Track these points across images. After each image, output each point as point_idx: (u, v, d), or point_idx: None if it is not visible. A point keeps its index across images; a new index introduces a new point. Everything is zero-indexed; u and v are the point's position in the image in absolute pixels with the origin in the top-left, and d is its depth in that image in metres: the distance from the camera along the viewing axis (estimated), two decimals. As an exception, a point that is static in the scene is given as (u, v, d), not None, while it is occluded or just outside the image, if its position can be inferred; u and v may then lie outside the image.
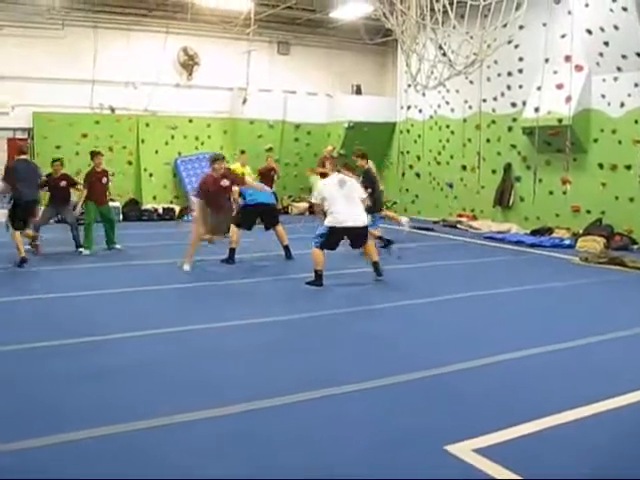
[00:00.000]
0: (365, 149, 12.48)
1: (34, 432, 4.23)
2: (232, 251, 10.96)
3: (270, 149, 19.50)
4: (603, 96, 13.77)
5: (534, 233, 14.61)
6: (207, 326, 6.99)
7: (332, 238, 9.21)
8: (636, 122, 13.24)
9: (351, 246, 9.69)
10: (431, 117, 18.66)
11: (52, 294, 8.44)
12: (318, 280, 9.10)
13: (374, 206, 10.99)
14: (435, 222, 17.37)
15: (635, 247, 12.87)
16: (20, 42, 16.66)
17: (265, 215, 11.48)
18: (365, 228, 9.36)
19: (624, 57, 13.07)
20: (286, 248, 11.37)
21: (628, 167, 13.45)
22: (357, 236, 9.34)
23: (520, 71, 15.59)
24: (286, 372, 5.60)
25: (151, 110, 18.54)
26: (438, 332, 6.99)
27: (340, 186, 9.31)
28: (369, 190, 10.50)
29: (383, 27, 13.44)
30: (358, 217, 9.22)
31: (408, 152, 19.55)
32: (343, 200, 9.20)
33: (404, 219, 14.31)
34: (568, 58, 13.98)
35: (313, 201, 9.77)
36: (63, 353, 6.04)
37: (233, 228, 10.90)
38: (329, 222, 9.18)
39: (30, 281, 9.44)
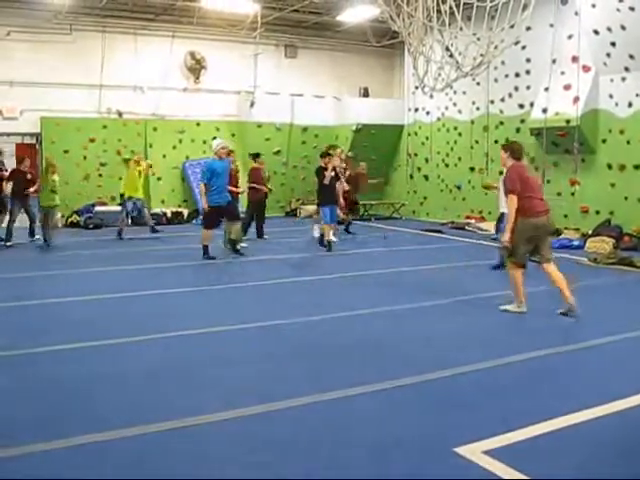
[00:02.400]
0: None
1: (51, 435, 4.27)
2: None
3: (278, 152, 19.57)
4: (611, 96, 13.73)
5: (543, 234, 14.55)
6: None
7: None
8: (644, 122, 13.21)
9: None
10: (439, 119, 18.66)
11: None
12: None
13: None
14: (443, 224, 17.35)
15: (644, 247, 12.80)
16: (28, 47, 16.76)
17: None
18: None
19: (631, 57, 13.03)
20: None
21: (637, 167, 13.40)
22: None
23: (527, 72, 15.57)
24: (295, 374, 5.62)
25: (159, 114, 18.60)
26: (445, 334, 6.98)
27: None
28: None
29: (390, 29, 13.44)
30: None
31: (416, 154, 19.55)
32: None
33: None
34: (575, 59, 13.95)
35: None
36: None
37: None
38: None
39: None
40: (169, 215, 17.92)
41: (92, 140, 17.72)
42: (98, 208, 17.25)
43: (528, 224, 7.52)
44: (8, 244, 13.25)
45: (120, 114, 18.18)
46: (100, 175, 17.91)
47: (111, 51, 17.65)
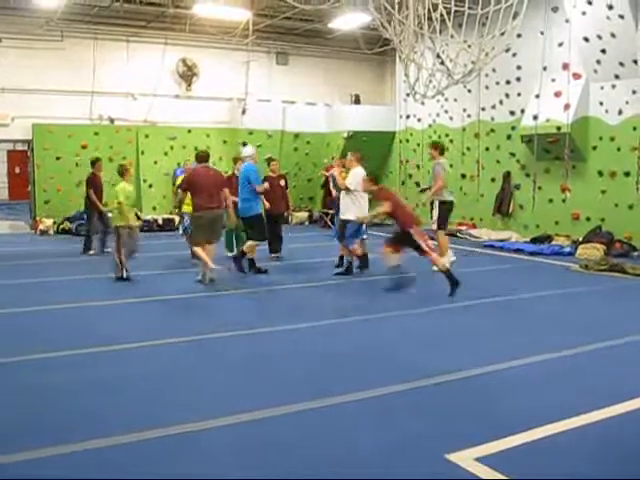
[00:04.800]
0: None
1: (42, 442, 4.26)
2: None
3: (269, 159, 19.52)
4: (601, 103, 13.80)
5: (534, 241, 14.58)
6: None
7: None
8: (634, 129, 13.26)
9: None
10: (430, 126, 18.70)
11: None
12: (349, 270, 10.94)
13: None
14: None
15: (635, 254, 12.83)
16: (20, 54, 16.74)
17: None
18: None
19: (621, 64, 13.11)
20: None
21: (627, 174, 13.46)
22: None
23: (518, 79, 15.64)
24: (294, 380, 5.61)
25: (150, 121, 18.59)
26: (436, 341, 6.98)
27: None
28: None
29: (381, 37, 13.47)
30: None
31: (407, 161, 19.59)
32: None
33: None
34: (566, 66, 14.03)
35: (352, 188, 10.67)
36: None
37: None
38: (355, 215, 10.56)
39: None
40: (160, 222, 17.88)
41: (84, 147, 17.68)
42: (89, 215, 17.16)
43: (201, 216, 9.63)
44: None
45: (112, 121, 18.17)
46: (92, 182, 17.85)
47: (103, 58, 17.65)
